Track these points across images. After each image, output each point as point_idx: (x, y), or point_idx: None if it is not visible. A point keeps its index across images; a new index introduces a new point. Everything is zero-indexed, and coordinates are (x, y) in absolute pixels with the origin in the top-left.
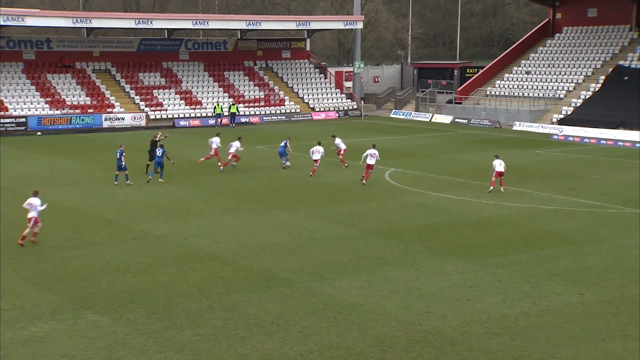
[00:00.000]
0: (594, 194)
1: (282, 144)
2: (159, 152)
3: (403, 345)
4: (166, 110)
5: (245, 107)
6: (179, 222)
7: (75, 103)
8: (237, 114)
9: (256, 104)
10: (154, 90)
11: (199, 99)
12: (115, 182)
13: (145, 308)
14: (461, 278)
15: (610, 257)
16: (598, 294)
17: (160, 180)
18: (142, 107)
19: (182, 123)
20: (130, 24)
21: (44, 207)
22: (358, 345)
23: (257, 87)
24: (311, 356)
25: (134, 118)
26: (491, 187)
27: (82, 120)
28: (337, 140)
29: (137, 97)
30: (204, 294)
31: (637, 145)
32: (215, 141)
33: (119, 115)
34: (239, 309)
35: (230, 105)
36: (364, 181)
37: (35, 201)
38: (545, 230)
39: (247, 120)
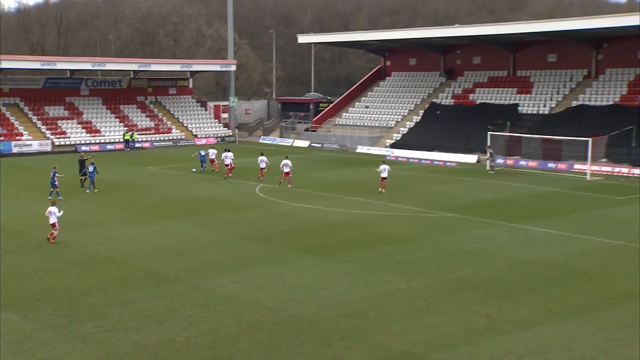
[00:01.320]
0: (417, 202)
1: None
2: (90, 168)
3: (271, 328)
4: (69, 137)
5: (138, 134)
6: (80, 232)
7: None
8: (130, 140)
9: (147, 132)
10: (58, 121)
11: (98, 127)
12: (49, 197)
13: (51, 306)
14: (317, 272)
15: (429, 251)
16: (420, 280)
17: (94, 190)
18: (47, 135)
19: (84, 148)
20: (36, 65)
21: (61, 213)
22: (234, 330)
23: (148, 118)
24: (195, 340)
25: (41, 144)
26: (380, 189)
27: None
28: (212, 150)
29: (44, 126)
30: (103, 292)
31: (448, 163)
32: (229, 155)
33: (27, 142)
34: (133, 303)
35: (124, 133)
36: (281, 183)
37: (53, 209)
38: (382, 232)
39: (140, 145)
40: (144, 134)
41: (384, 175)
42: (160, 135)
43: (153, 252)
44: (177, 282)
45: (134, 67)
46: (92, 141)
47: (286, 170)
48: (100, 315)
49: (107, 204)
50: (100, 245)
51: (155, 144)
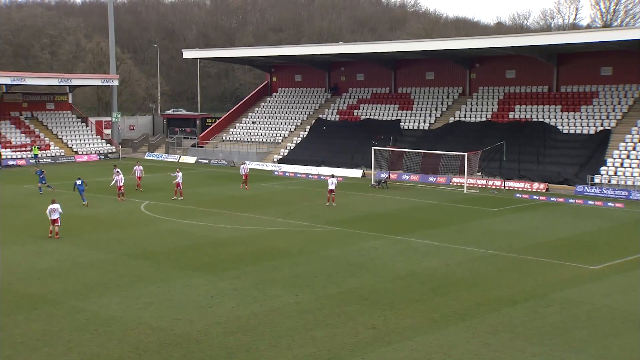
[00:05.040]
0: (304, 216)
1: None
2: (79, 182)
3: (156, 349)
4: None
5: (12, 151)
6: None
7: None
8: (1, 157)
9: (23, 149)
10: None
11: None
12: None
13: None
14: (204, 289)
15: (316, 265)
16: (308, 294)
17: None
18: None
19: None
20: None
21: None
22: (117, 352)
23: (23, 134)
24: None
25: None
26: (327, 203)
27: None
28: (117, 170)
29: None
30: None
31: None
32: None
33: None
34: (5, 330)
35: None
36: (245, 187)
37: (55, 206)
38: (269, 247)
39: (15, 163)
40: (19, 151)
41: (331, 187)
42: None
43: (28, 274)
44: (54, 305)
45: (7, 80)
46: None
47: (245, 172)
48: None
49: None
50: None
51: (31, 161)
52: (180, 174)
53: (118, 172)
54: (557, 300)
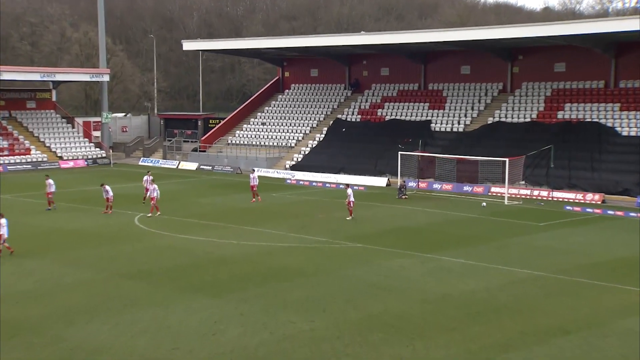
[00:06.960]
0: (321, 231)
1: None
2: None
3: None
4: None
5: None
6: None
7: None
8: None
9: (0, 154)
10: None
11: None
12: None
13: None
14: (207, 313)
15: (334, 286)
16: (325, 320)
17: None
18: None
19: None
20: None
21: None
22: None
23: (0, 137)
24: None
25: None
26: (349, 217)
27: None
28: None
29: None
30: None
31: (355, 187)
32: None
33: None
34: None
35: None
36: (255, 200)
37: (2, 221)
38: (281, 265)
39: None
40: None
41: (352, 199)
42: (16, 157)
43: (5, 298)
44: (35, 333)
45: None
46: None
47: (253, 183)
48: None
49: None
50: None
51: (9, 167)
52: (155, 186)
53: (51, 183)
54: (616, 330)
